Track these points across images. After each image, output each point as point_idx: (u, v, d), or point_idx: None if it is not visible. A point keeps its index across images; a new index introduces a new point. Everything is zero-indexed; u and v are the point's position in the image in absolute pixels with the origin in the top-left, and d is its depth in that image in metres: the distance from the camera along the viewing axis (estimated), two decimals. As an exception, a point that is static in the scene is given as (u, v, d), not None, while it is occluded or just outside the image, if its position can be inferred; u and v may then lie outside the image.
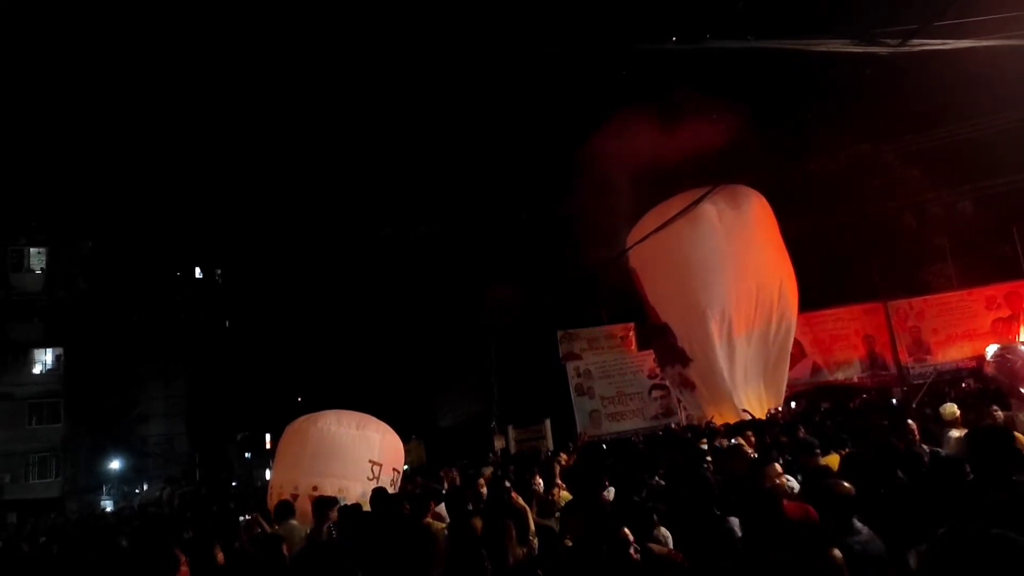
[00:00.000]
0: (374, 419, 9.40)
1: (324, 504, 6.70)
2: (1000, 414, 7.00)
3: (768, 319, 14.47)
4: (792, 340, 15.52)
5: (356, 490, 8.21)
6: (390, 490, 8.15)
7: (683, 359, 14.96)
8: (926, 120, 18.73)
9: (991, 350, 15.05)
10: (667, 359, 15.92)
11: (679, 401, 20.09)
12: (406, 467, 22.41)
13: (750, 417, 10.89)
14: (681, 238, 14.29)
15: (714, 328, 13.97)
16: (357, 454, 8.70)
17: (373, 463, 8.71)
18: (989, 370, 13.62)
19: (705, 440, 8.87)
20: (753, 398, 13.95)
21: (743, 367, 14.25)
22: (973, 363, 17.80)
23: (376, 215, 32.22)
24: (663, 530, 4.56)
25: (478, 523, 4.89)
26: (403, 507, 6.37)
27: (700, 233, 14.18)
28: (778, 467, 5.51)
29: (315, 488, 7.80)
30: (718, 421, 12.55)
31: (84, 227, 36.52)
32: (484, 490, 7.06)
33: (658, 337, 15.76)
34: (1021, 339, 17.97)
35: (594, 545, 3.70)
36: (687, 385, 15.38)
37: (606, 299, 23.88)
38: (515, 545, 4.04)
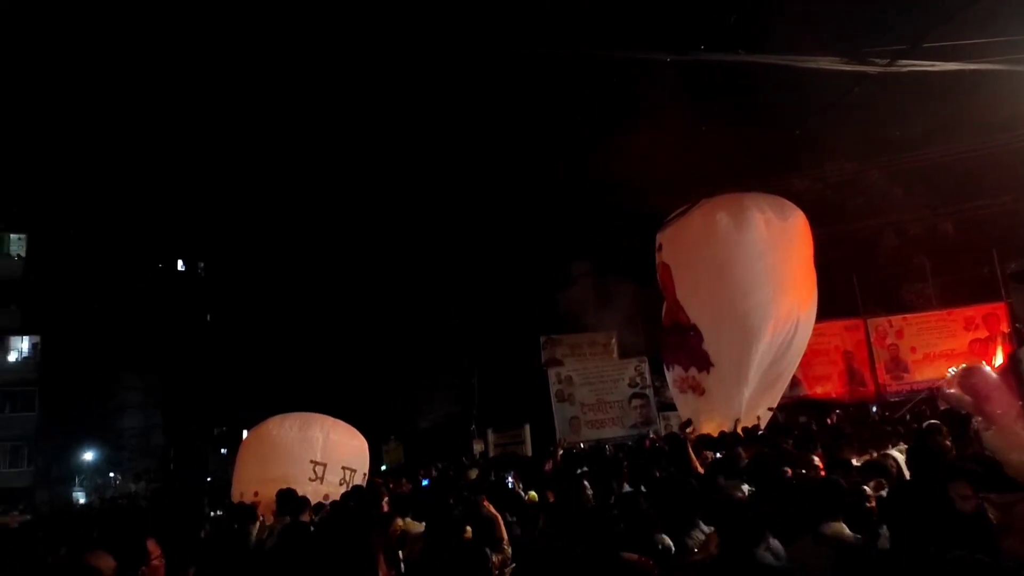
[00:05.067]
0: (322, 418, 9.43)
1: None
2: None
3: (790, 336, 14.32)
4: (799, 360, 15.39)
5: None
6: (340, 489, 8.36)
7: (704, 363, 14.67)
8: (911, 140, 18.93)
9: (953, 371, 15.05)
10: (684, 360, 15.58)
11: (660, 411, 20.16)
12: (383, 467, 22.44)
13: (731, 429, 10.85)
14: (727, 241, 14.03)
15: (749, 337, 13.82)
16: (297, 456, 8.78)
17: (315, 463, 8.76)
18: (952, 390, 13.55)
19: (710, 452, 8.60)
20: (752, 412, 13.78)
21: (755, 380, 14.11)
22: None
23: (360, 214, 32.13)
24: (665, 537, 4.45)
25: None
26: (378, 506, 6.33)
27: (747, 239, 13.87)
28: None
29: (256, 494, 7.81)
30: (703, 431, 12.46)
31: (66, 214, 36.08)
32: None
33: (676, 337, 15.39)
34: (996, 361, 18.15)
35: (570, 548, 3.71)
36: (697, 390, 15.09)
37: (590, 307, 23.95)
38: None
